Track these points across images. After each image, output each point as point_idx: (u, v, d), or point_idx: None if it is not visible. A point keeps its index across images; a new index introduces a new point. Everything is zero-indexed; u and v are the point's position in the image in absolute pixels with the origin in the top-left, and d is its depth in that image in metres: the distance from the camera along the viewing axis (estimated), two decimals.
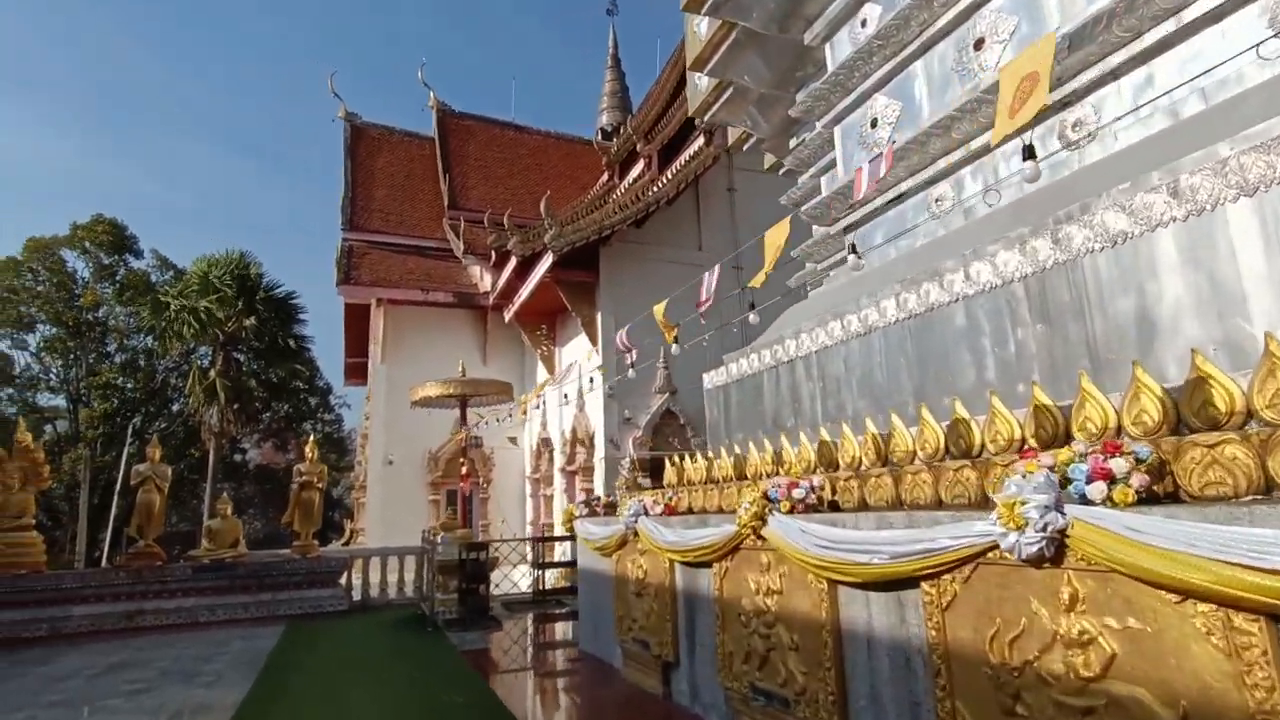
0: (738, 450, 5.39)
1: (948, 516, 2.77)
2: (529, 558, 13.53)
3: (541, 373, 17.20)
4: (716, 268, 7.11)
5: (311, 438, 11.07)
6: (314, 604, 9.79)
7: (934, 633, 2.74)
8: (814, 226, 7.28)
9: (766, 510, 3.83)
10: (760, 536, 3.86)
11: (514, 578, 11.48)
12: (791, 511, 3.78)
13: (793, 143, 8.65)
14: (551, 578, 11.54)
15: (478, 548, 8.38)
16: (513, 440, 17.16)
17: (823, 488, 3.90)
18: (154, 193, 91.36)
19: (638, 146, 17.12)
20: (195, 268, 23.21)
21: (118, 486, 18.34)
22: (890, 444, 3.65)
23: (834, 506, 3.91)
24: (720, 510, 4.89)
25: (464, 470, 9.96)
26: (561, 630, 8.61)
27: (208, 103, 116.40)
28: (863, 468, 3.85)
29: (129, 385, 28.66)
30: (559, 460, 15.59)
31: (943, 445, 3.31)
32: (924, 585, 2.80)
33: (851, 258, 4.93)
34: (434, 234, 21.02)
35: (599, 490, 13.47)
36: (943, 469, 3.24)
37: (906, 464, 3.49)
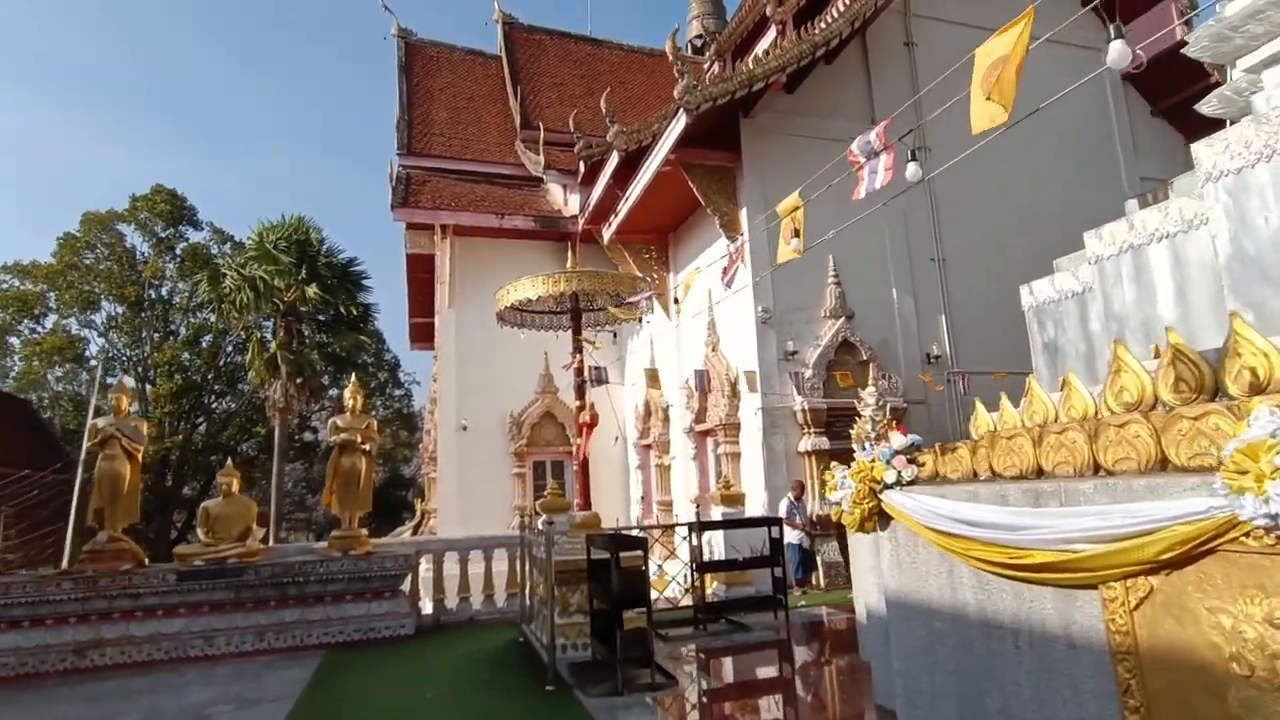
0: None
1: None
2: (656, 549, 9.95)
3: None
4: (876, 130, 3.60)
5: (354, 378, 7.67)
6: (362, 626, 6.40)
7: None
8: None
9: None
10: None
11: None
12: None
13: None
14: (661, 571, 7.81)
15: (630, 543, 4.71)
16: (651, 373, 12.73)
17: None
18: (225, 185, 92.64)
19: (767, 10, 13.04)
20: (253, 235, 20.88)
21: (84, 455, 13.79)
22: None
23: None
24: None
25: (581, 419, 6.31)
26: (783, 688, 4.92)
27: (265, 97, 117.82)
28: None
29: (195, 363, 26.83)
30: (681, 418, 11.86)
31: None
32: None
33: None
34: (505, 159, 17.55)
35: (755, 455, 9.68)
36: None
37: None
